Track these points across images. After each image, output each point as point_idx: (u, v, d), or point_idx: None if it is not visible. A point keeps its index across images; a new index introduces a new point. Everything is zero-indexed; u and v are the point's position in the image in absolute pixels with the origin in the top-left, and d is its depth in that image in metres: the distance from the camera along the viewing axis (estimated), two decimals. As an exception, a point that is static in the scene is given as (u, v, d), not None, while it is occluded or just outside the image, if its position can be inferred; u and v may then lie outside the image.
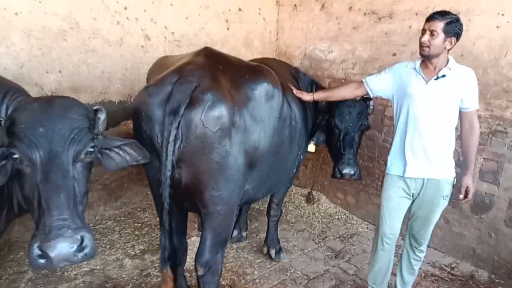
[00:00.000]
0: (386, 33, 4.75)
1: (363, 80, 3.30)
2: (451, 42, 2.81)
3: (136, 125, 2.62)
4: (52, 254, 1.76)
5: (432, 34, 2.79)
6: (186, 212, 3.09)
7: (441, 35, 2.77)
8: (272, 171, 3.12)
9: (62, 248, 1.78)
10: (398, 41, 4.67)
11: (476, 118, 2.99)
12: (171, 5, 4.87)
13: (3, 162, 1.97)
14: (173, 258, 2.85)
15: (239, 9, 5.62)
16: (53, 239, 1.76)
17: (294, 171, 3.76)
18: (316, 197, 5.69)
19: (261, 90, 2.80)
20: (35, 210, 1.91)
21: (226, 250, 3.35)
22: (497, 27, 3.83)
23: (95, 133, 2.12)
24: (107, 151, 2.28)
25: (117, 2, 4.40)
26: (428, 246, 4.41)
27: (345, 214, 5.38)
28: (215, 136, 2.42)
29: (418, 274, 3.96)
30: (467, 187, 3.01)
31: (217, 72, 2.62)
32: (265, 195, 3.72)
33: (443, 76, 2.87)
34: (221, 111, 2.42)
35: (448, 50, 2.88)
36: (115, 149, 2.31)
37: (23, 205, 2.14)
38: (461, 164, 3.23)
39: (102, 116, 2.12)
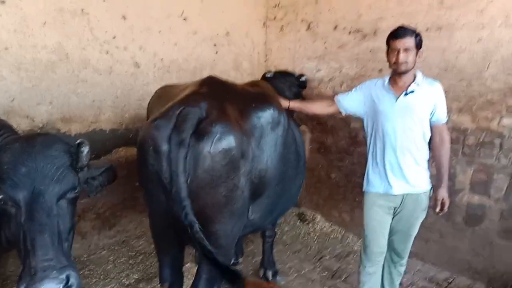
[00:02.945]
0: (371, 50, 4.83)
1: (335, 98, 3.32)
2: (417, 55, 2.91)
3: (141, 160, 2.47)
4: None
5: (407, 51, 2.85)
6: (184, 246, 3.00)
7: (414, 50, 2.87)
8: (279, 198, 3.04)
9: None
10: (383, 57, 4.56)
11: (446, 130, 3.03)
12: (159, 32, 4.93)
13: None
14: None
15: (227, 33, 5.70)
16: (39, 281, 1.77)
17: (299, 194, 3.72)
18: (311, 216, 5.66)
19: (268, 117, 2.72)
20: (21, 249, 1.92)
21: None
22: (479, 40, 3.91)
23: (78, 167, 2.13)
24: (91, 181, 2.30)
25: (106, 32, 4.45)
26: (423, 261, 4.46)
27: (340, 232, 5.33)
28: (223, 169, 2.33)
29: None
30: (443, 199, 3.03)
31: (223, 102, 2.54)
32: (271, 223, 3.66)
33: (412, 92, 2.91)
34: (230, 143, 2.34)
35: None
36: (98, 177, 2.35)
37: (11, 240, 2.14)
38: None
39: (85, 149, 2.12)
